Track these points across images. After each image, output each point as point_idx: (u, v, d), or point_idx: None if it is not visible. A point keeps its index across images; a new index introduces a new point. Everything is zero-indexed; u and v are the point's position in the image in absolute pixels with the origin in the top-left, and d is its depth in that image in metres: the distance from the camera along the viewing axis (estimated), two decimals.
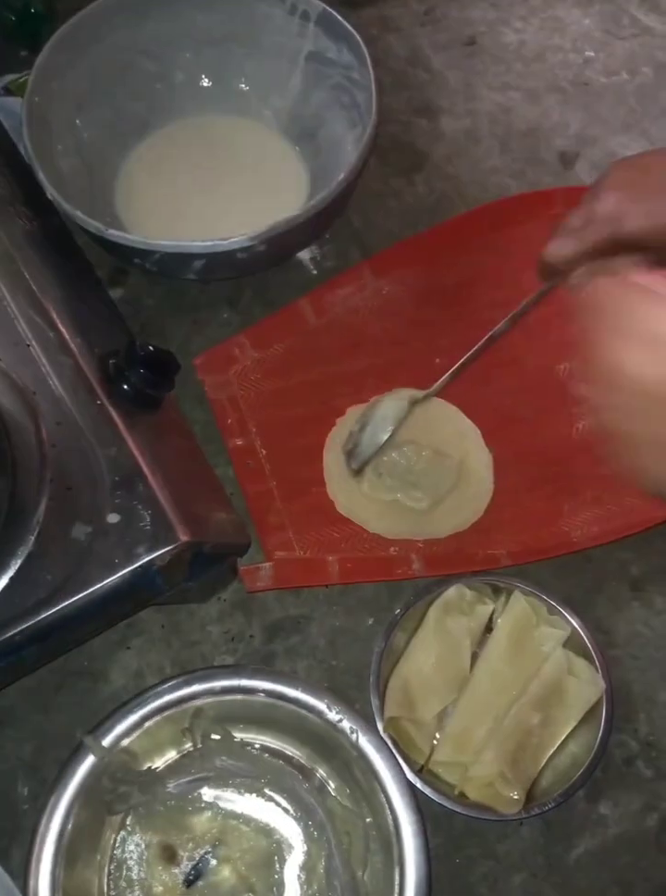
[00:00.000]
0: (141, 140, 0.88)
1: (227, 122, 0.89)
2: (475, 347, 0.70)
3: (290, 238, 0.74)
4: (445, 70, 0.96)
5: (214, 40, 0.86)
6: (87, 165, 0.83)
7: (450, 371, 0.71)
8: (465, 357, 0.71)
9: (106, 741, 0.58)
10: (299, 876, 0.60)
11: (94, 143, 0.84)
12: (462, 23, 0.99)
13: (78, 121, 0.83)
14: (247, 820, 0.61)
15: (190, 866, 0.60)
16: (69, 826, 0.56)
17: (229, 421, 0.75)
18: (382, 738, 0.59)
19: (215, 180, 0.86)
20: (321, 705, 0.58)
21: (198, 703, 0.59)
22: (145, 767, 0.61)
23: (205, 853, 0.60)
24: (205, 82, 0.89)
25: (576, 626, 0.66)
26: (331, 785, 0.61)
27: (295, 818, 0.61)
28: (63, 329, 0.63)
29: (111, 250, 0.77)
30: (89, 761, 0.57)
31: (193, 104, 0.89)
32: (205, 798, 0.61)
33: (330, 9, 0.81)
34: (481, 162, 0.90)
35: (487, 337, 0.70)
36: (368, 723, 0.60)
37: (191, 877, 0.59)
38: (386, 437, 0.70)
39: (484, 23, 0.99)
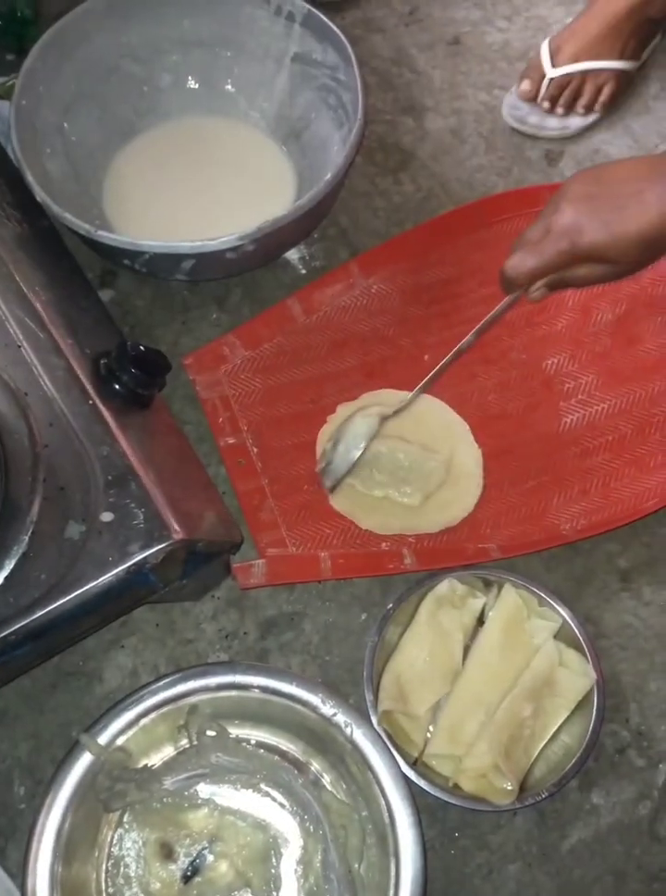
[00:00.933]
0: (129, 141, 0.88)
1: (214, 123, 0.89)
2: (443, 361, 0.71)
3: (279, 237, 0.74)
4: (430, 70, 0.97)
5: (200, 42, 0.87)
6: (74, 167, 0.83)
7: (417, 387, 0.73)
8: (434, 371, 0.72)
9: (103, 739, 0.58)
10: (295, 870, 0.60)
11: (82, 144, 0.84)
12: (445, 23, 1.00)
13: (65, 124, 0.83)
14: (243, 816, 0.61)
15: (187, 862, 0.60)
16: (67, 823, 0.57)
17: (220, 420, 0.76)
18: (376, 731, 0.59)
19: (203, 181, 0.86)
20: (315, 700, 0.59)
21: (193, 699, 0.59)
22: (141, 765, 0.61)
23: (202, 849, 0.60)
24: (192, 84, 0.89)
25: (566, 617, 0.66)
26: (326, 779, 0.62)
27: (291, 813, 0.61)
28: (54, 331, 0.63)
29: (101, 251, 0.77)
30: (85, 759, 0.58)
31: (180, 105, 0.89)
32: (202, 794, 0.61)
33: (315, 11, 0.81)
34: (467, 160, 0.91)
35: (453, 351, 0.70)
36: (362, 717, 0.60)
37: (188, 873, 0.60)
38: (358, 455, 0.71)
39: (468, 23, 1.00)
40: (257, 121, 0.89)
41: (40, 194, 0.72)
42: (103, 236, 0.71)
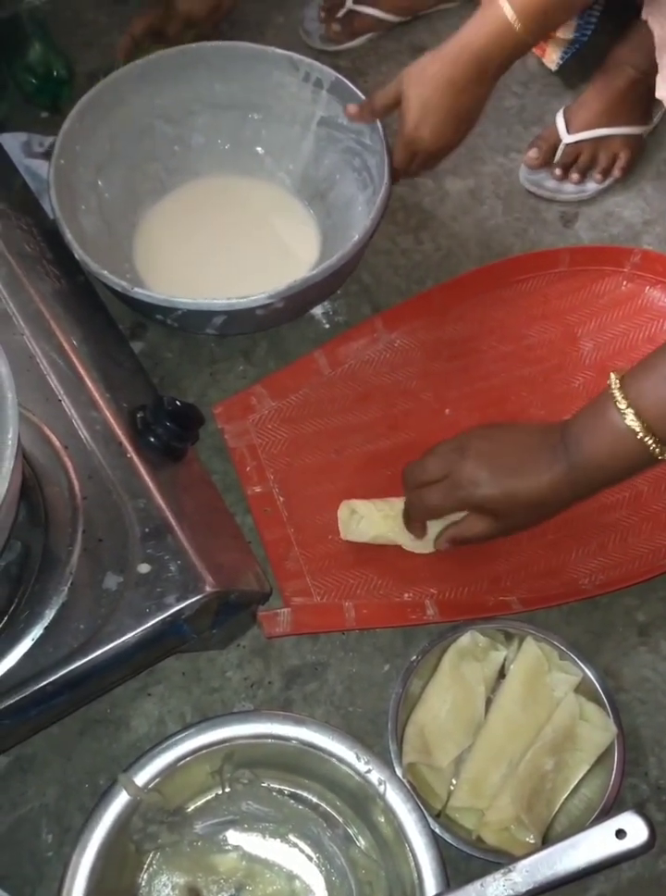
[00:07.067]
0: (160, 199, 0.91)
1: (242, 183, 0.92)
2: None
3: (307, 295, 0.77)
4: None
5: (230, 105, 0.90)
6: (107, 223, 0.86)
7: None
8: None
9: (140, 780, 0.58)
10: None
11: (115, 202, 0.87)
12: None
13: (99, 182, 0.86)
14: (270, 865, 0.62)
15: None
16: (100, 864, 0.57)
17: (248, 469, 0.78)
18: (408, 791, 0.60)
19: (231, 238, 0.89)
20: (350, 756, 0.59)
21: (230, 746, 0.60)
22: (174, 808, 0.62)
23: None
24: (222, 145, 0.92)
25: (586, 671, 0.67)
26: (359, 838, 0.62)
27: (317, 865, 0.62)
28: (92, 385, 0.65)
29: (134, 306, 0.80)
30: (118, 803, 0.58)
31: (210, 165, 0.92)
32: (231, 840, 0.62)
33: (342, 77, 0.85)
34: (485, 221, 0.94)
35: None
36: (389, 771, 0.61)
37: None
38: None
39: None
40: (284, 181, 0.92)
41: (78, 252, 0.75)
42: (138, 293, 0.73)
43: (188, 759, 0.59)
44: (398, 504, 0.74)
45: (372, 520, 0.73)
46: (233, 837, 0.62)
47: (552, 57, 1.01)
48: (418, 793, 0.62)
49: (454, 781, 0.66)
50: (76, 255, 0.75)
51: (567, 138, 0.93)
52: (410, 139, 0.78)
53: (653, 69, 0.75)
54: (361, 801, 0.60)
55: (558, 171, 0.94)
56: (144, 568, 0.58)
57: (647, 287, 0.86)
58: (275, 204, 0.92)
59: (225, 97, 0.90)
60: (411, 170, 0.82)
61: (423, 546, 0.74)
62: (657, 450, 0.58)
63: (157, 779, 0.59)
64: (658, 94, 0.79)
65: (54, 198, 0.77)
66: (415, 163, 0.81)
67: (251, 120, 0.91)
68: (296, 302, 0.77)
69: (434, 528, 0.74)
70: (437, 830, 0.61)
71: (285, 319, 0.83)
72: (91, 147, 0.85)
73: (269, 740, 0.59)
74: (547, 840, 0.63)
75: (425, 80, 0.73)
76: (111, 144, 0.87)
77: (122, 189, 0.88)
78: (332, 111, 0.87)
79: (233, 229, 0.90)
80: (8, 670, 0.55)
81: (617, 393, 0.59)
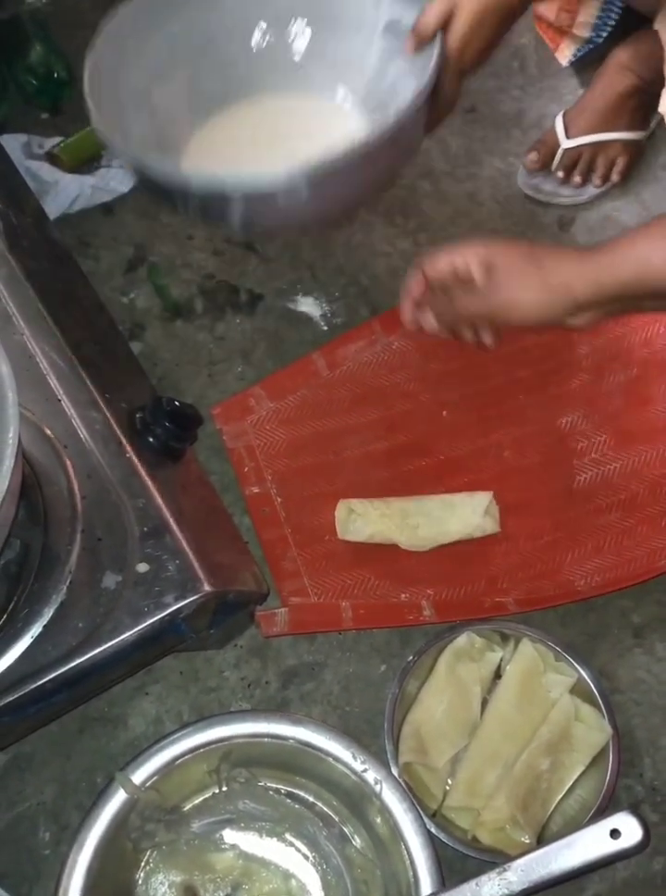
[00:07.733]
0: (214, 115, 0.83)
1: (302, 99, 0.84)
2: None
3: (337, 187, 0.69)
4: (447, 136, 1.00)
5: (292, 15, 0.83)
6: (156, 132, 0.78)
7: None
8: None
9: (138, 778, 0.59)
10: None
11: (167, 113, 0.80)
12: (462, 91, 1.04)
13: (152, 89, 0.78)
14: (266, 864, 0.62)
15: None
16: (97, 862, 0.57)
17: (246, 469, 0.78)
18: (404, 791, 0.60)
19: (290, 156, 0.79)
20: (346, 755, 0.59)
21: (228, 745, 0.60)
22: (172, 806, 0.62)
23: (226, 895, 0.61)
24: (285, 58, 0.84)
25: (582, 672, 0.68)
26: (355, 837, 0.63)
27: (313, 864, 0.62)
28: (92, 385, 0.66)
29: (152, 190, 0.74)
30: (115, 801, 0.58)
31: (271, 81, 0.84)
32: (228, 839, 0.62)
33: None
34: (483, 224, 0.94)
35: None
36: (385, 770, 0.61)
37: None
38: None
39: (483, 92, 1.04)
40: (347, 96, 0.84)
41: (97, 122, 0.68)
42: (152, 163, 0.67)
43: (185, 758, 0.59)
44: (395, 503, 0.75)
45: (369, 519, 0.74)
46: (230, 835, 0.62)
47: (566, 53, 1.01)
48: (414, 793, 0.63)
49: (450, 781, 0.67)
50: (100, 130, 0.69)
51: (566, 142, 0.94)
52: (457, 59, 0.73)
53: (654, 77, 0.75)
54: (357, 800, 0.60)
55: (560, 174, 0.94)
56: (143, 568, 0.59)
57: None
58: (336, 119, 0.84)
59: (287, 8, 0.82)
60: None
61: (420, 545, 0.74)
62: None
63: (155, 778, 0.59)
64: (661, 108, 0.79)
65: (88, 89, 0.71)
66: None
67: (314, 32, 0.83)
68: (325, 196, 0.69)
69: (431, 528, 0.75)
70: (432, 830, 0.62)
71: (316, 221, 0.77)
72: (143, 51, 0.77)
73: (266, 740, 0.59)
74: (542, 840, 0.64)
75: (475, 3, 0.70)
76: (167, 54, 0.79)
77: (175, 101, 0.80)
78: (395, 13, 0.78)
79: (290, 144, 0.81)
80: (7, 668, 0.55)
81: None
